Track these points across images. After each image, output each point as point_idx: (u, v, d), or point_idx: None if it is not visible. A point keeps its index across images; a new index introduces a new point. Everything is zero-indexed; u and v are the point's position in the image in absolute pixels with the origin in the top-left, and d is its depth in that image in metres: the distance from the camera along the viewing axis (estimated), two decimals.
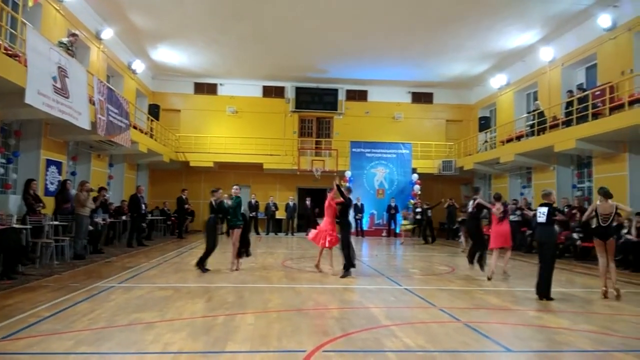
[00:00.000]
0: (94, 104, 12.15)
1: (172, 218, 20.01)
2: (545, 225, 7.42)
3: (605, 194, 7.61)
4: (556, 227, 8.15)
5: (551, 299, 7.02)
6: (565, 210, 14.29)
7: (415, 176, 21.70)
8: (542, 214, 7.43)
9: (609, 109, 12.86)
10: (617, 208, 7.52)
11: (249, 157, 21.75)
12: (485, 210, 10.02)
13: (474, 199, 10.09)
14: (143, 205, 15.11)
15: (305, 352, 4.29)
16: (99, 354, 4.21)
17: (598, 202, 7.67)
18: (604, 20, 14.30)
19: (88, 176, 14.79)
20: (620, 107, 12.57)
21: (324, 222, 9.53)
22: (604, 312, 6.46)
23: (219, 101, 23.44)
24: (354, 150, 21.98)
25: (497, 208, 9.33)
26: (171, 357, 4.12)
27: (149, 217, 17.60)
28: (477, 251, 9.80)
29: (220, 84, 23.48)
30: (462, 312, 6.22)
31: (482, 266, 9.65)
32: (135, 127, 16.53)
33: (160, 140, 20.21)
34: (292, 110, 23.69)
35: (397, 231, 21.14)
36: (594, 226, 7.96)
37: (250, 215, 21.06)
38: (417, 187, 21.34)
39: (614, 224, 7.90)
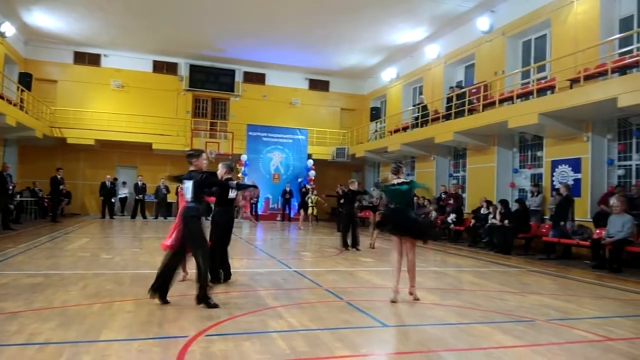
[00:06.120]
0: None
1: (46, 200, 18.22)
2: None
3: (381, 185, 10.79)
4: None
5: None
6: (443, 197, 15.62)
7: (310, 162, 22.14)
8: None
9: (483, 106, 14.22)
10: None
11: (136, 135, 20.43)
12: None
13: None
14: (10, 185, 13.56)
15: (187, 337, 4.19)
16: None
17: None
18: (483, 23, 15.64)
19: None
20: (492, 104, 13.93)
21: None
22: (470, 288, 7.18)
23: (102, 73, 21.63)
24: (250, 133, 21.77)
25: None
26: (36, 349, 3.77)
27: (18, 198, 15.85)
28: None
29: (105, 55, 21.67)
30: (346, 291, 6.51)
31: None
32: (2, 97, 14.70)
33: (33, 114, 18.17)
34: (186, 89, 22.69)
35: (292, 216, 21.47)
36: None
37: (136, 198, 19.98)
38: (312, 173, 21.81)
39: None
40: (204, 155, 5.81)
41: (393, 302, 5.79)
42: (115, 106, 21.36)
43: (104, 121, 20.44)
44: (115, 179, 20.44)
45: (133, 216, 19.82)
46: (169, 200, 20.69)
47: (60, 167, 18.28)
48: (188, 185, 5.56)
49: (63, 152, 20.45)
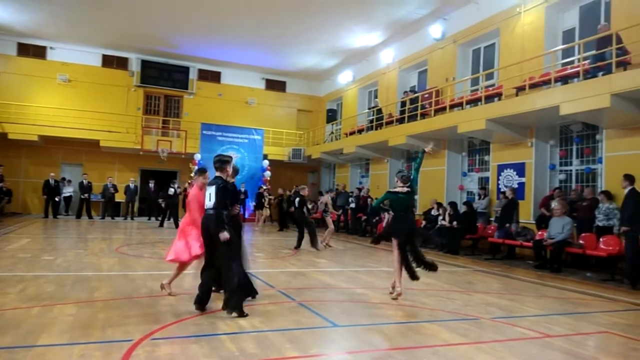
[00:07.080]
0: None
1: None
2: None
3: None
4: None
5: None
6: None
7: (266, 162, 21.99)
8: None
9: (434, 111, 14.59)
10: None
11: (82, 132, 19.55)
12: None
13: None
14: None
15: (132, 341, 4.05)
16: None
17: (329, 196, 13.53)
18: (435, 30, 16.06)
19: None
20: (443, 109, 14.33)
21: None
22: (419, 287, 7.32)
23: (48, 67, 20.60)
24: (204, 132, 21.34)
25: None
26: None
27: None
28: None
29: (51, 48, 20.66)
30: (299, 292, 6.51)
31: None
32: None
33: None
34: (137, 85, 21.98)
35: (246, 216, 21.21)
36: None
37: (81, 197, 19.18)
38: (267, 173, 21.66)
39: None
40: (231, 163, 5.57)
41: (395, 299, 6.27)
42: (61, 101, 20.40)
43: (49, 116, 19.46)
44: (63, 179, 19.59)
45: (78, 216, 19.00)
46: (116, 200, 20.00)
47: (1, 163, 17.28)
48: (210, 190, 5.22)
49: (4, 148, 19.29)
